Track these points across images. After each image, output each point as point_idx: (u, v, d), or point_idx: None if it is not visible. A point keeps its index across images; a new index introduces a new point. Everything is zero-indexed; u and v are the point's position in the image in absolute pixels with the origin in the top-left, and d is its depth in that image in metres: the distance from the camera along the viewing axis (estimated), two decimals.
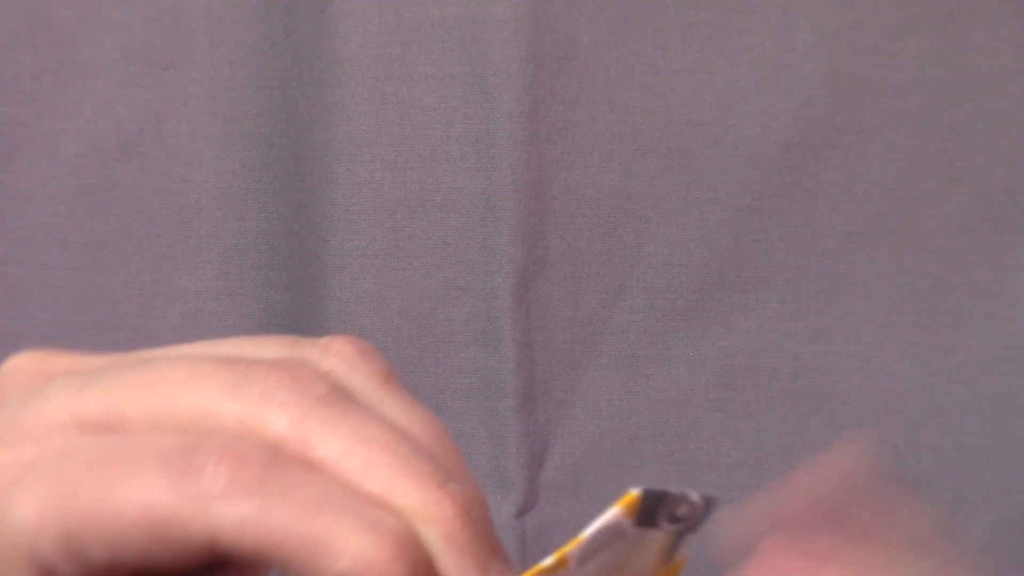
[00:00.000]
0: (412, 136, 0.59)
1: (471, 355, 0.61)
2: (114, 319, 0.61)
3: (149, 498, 0.31)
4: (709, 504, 0.33)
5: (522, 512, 0.61)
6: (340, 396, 0.33)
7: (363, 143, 0.59)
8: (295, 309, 0.61)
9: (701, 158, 0.60)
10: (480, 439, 0.61)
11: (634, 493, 0.31)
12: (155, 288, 0.61)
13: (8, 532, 0.32)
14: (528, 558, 0.60)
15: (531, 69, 0.58)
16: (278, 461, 0.32)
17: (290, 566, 0.31)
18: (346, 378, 0.34)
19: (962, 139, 0.60)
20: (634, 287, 0.61)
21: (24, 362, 0.36)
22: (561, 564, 0.31)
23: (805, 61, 0.59)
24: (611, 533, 0.31)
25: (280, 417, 0.32)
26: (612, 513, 0.31)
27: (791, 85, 0.59)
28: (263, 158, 0.60)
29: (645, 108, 0.60)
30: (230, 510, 0.31)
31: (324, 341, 0.35)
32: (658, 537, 0.33)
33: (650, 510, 0.31)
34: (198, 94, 0.60)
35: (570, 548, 0.31)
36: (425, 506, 0.32)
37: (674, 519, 0.32)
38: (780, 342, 0.61)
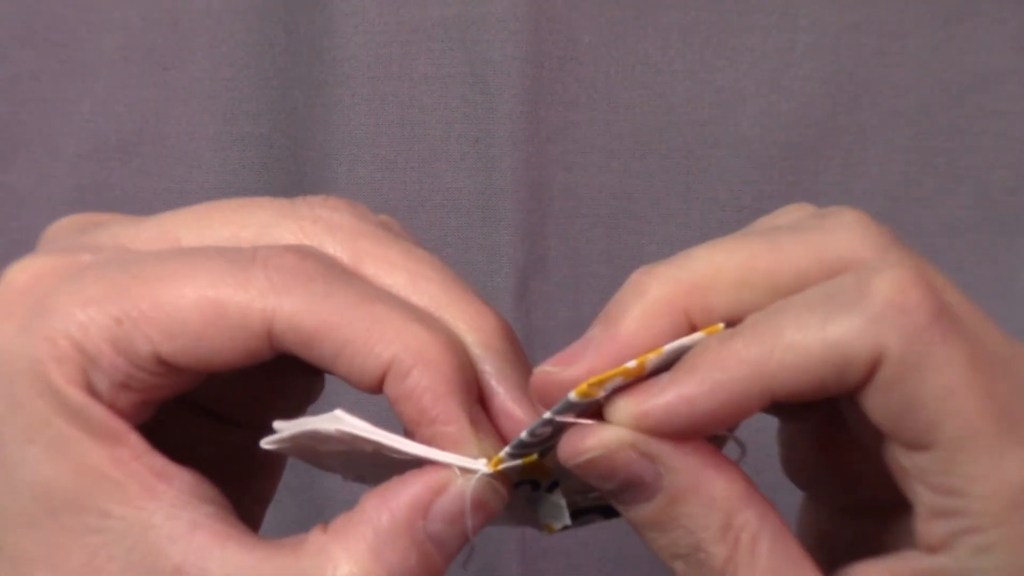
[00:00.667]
0: (412, 136, 0.59)
1: None
2: None
3: (210, 284, 0.31)
4: None
5: None
6: (393, 226, 0.35)
7: (363, 143, 0.59)
8: None
9: (701, 158, 0.60)
10: None
11: (720, 325, 0.32)
12: None
13: (56, 320, 0.31)
14: (528, 558, 0.60)
15: (531, 69, 0.58)
16: (336, 265, 0.33)
17: (343, 354, 0.32)
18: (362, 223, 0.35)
19: (962, 139, 0.60)
20: None
21: (73, 217, 0.36)
22: (640, 370, 0.32)
23: (805, 61, 0.59)
24: (682, 352, 0.32)
25: (334, 238, 0.33)
26: (697, 337, 0.32)
27: (791, 85, 0.59)
28: (263, 158, 0.60)
29: (645, 108, 0.60)
30: (291, 293, 0.31)
31: (318, 198, 0.35)
32: None
33: None
34: (198, 94, 0.60)
35: (652, 356, 0.32)
36: (469, 316, 0.33)
37: None
38: None
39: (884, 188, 0.60)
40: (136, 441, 0.32)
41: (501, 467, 0.32)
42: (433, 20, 0.59)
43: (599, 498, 0.36)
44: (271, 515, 0.40)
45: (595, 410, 0.32)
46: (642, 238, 0.60)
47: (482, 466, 0.32)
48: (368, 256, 0.33)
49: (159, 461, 0.32)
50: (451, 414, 0.32)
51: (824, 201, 0.60)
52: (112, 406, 0.32)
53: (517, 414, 0.33)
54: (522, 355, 0.34)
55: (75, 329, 0.31)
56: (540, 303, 0.60)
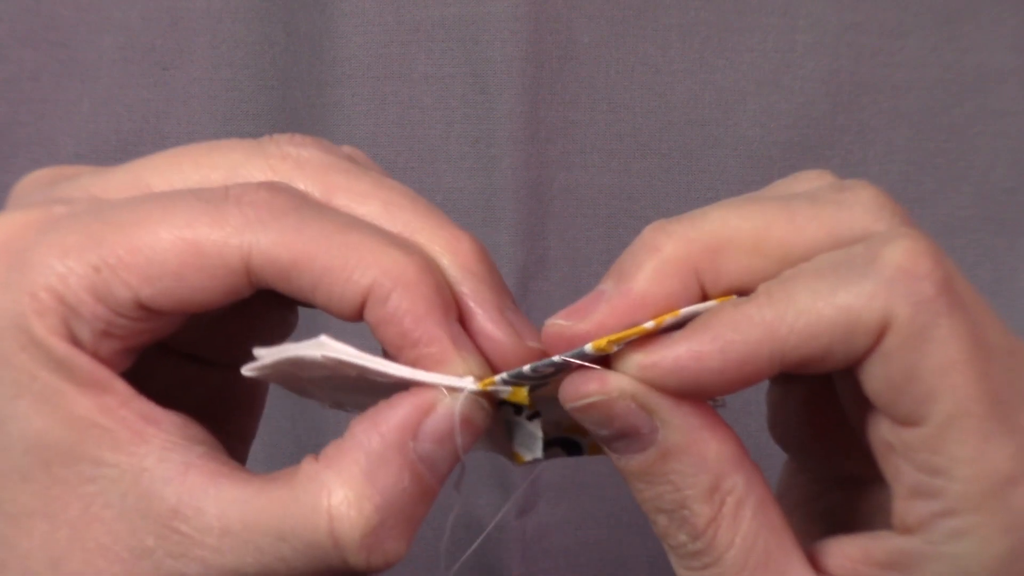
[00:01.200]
0: (412, 136, 0.59)
1: None
2: None
3: (185, 224, 0.31)
4: None
5: (522, 512, 0.61)
6: (360, 159, 0.35)
7: (363, 143, 0.59)
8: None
9: (701, 158, 0.60)
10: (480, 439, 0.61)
11: (733, 296, 0.32)
12: None
13: (35, 273, 0.31)
14: (528, 558, 0.60)
15: (531, 69, 0.58)
16: (308, 199, 0.33)
17: (321, 284, 0.32)
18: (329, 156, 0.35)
19: (962, 139, 0.60)
20: None
21: (43, 171, 0.36)
22: (657, 327, 0.32)
23: (805, 61, 0.59)
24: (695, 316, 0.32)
25: (304, 173, 0.33)
26: (712, 303, 0.32)
27: (791, 85, 0.59)
28: None
29: (645, 108, 0.60)
30: (267, 227, 0.31)
31: (284, 136, 0.35)
32: None
33: None
34: (198, 94, 0.60)
35: (668, 317, 0.32)
36: (445, 240, 0.33)
37: None
38: None
39: (884, 188, 0.60)
40: (122, 388, 0.32)
41: (489, 389, 0.32)
42: (433, 20, 0.59)
43: (569, 429, 0.36)
44: (268, 455, 0.40)
45: (603, 356, 0.32)
46: None
47: (468, 383, 0.32)
48: (339, 188, 0.33)
49: (146, 406, 0.32)
50: (433, 335, 0.32)
51: None
52: (96, 354, 0.32)
53: (496, 335, 0.33)
54: (498, 276, 0.35)
55: (55, 281, 0.31)
56: (540, 303, 0.60)
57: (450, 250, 0.33)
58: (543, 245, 0.60)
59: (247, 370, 0.33)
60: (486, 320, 0.33)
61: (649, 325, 0.32)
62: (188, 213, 0.31)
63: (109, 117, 0.60)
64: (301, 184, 0.33)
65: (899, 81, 0.60)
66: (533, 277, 0.60)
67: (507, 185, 0.59)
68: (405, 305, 0.32)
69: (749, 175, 0.60)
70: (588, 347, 0.32)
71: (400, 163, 0.60)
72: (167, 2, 0.59)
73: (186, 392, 0.36)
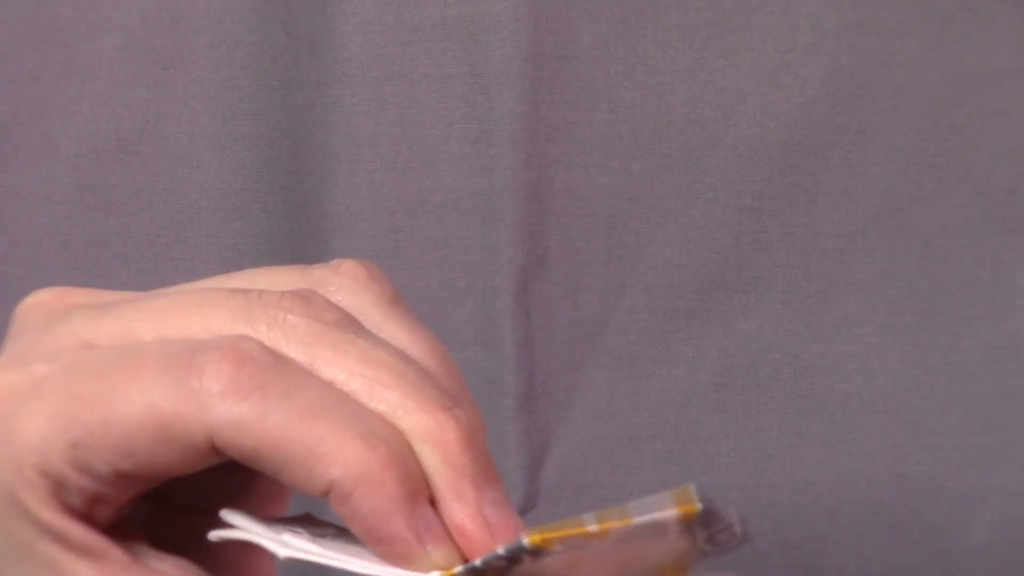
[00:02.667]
0: (412, 136, 0.59)
1: (471, 355, 0.61)
2: None
3: (151, 398, 0.31)
4: (744, 540, 0.33)
5: (522, 512, 0.61)
6: (350, 322, 0.33)
7: (363, 143, 0.59)
8: None
9: (701, 158, 0.60)
10: None
11: (696, 507, 0.31)
12: (155, 288, 0.61)
13: (19, 448, 0.32)
14: None
15: (531, 69, 0.58)
16: (280, 363, 0.32)
17: (284, 471, 0.31)
18: (354, 296, 0.35)
19: (962, 139, 0.60)
20: (634, 287, 0.61)
21: (44, 296, 0.36)
22: (604, 536, 0.31)
23: (805, 61, 0.59)
24: (657, 527, 0.31)
25: (289, 340, 0.33)
26: (669, 515, 0.31)
27: (791, 85, 0.59)
28: (263, 158, 0.60)
29: (645, 108, 0.60)
30: (229, 409, 0.31)
31: (334, 262, 0.35)
32: (688, 546, 0.33)
33: (700, 523, 0.31)
34: (198, 94, 0.60)
35: (617, 525, 0.31)
36: (427, 427, 0.32)
37: (712, 541, 0.32)
38: (780, 342, 0.61)
39: (884, 188, 0.60)
40: (119, 556, 0.32)
41: None
42: (433, 20, 0.59)
43: None
44: None
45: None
46: (642, 238, 0.60)
47: None
48: (324, 362, 0.32)
49: (143, 571, 0.32)
50: (397, 535, 0.31)
51: (824, 201, 0.61)
52: (90, 517, 0.32)
53: (472, 534, 0.32)
54: (483, 462, 0.33)
55: (37, 457, 0.31)
56: (540, 303, 0.60)
57: (431, 439, 0.32)
58: (543, 245, 0.60)
59: (215, 536, 0.33)
60: (463, 516, 0.32)
61: (593, 529, 0.31)
62: (155, 388, 0.31)
63: (109, 117, 0.60)
64: (286, 351, 0.33)
65: (899, 81, 0.60)
66: (533, 277, 0.60)
67: (507, 185, 0.59)
68: (367, 505, 0.31)
69: (749, 175, 0.60)
70: (525, 540, 0.31)
71: (400, 163, 0.60)
72: (167, 2, 0.59)
73: (182, 536, 0.36)
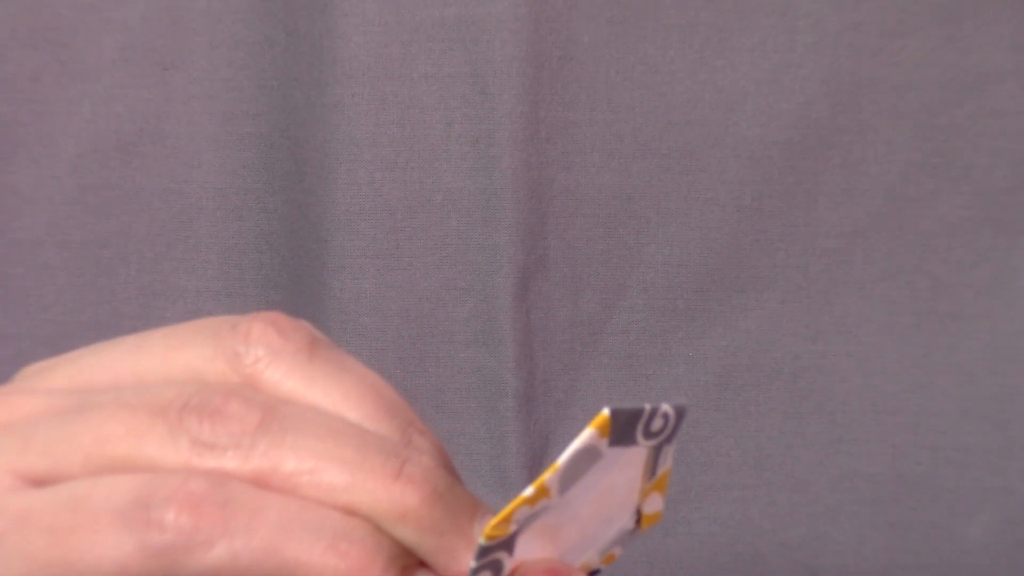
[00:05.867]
0: (412, 136, 0.59)
1: (471, 355, 0.61)
2: (114, 319, 0.61)
3: (119, 563, 0.31)
4: (681, 414, 0.33)
5: None
6: (273, 419, 0.33)
7: (363, 143, 0.59)
8: (295, 309, 0.61)
9: (701, 158, 0.60)
10: (480, 439, 0.61)
11: (605, 413, 0.31)
12: (155, 288, 0.61)
13: None
14: None
15: (531, 69, 0.58)
16: (232, 493, 0.32)
17: None
18: (271, 366, 0.34)
19: (962, 139, 0.60)
20: (634, 287, 0.61)
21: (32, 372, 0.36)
22: (542, 492, 0.31)
23: (805, 61, 0.59)
24: (587, 455, 0.31)
25: (222, 461, 0.32)
26: (586, 435, 0.31)
27: (791, 85, 0.59)
28: (263, 158, 0.60)
29: (645, 108, 0.60)
30: (199, 560, 0.31)
31: (244, 327, 0.35)
32: (638, 453, 0.33)
33: (625, 429, 0.32)
34: (198, 94, 0.60)
35: (548, 475, 0.31)
36: (387, 504, 0.32)
37: (651, 434, 0.33)
38: (780, 342, 0.61)
39: (884, 188, 0.60)
40: None
41: None
42: (433, 20, 0.59)
43: None
44: None
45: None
46: (642, 238, 0.60)
47: None
48: (265, 472, 0.32)
49: None
50: None
51: (824, 201, 0.61)
52: None
53: None
54: (455, 493, 0.33)
55: None
56: (540, 303, 0.60)
57: (395, 515, 0.32)
58: (543, 245, 0.60)
59: None
60: (458, 570, 0.33)
61: (528, 492, 0.31)
62: (119, 551, 0.31)
63: (109, 117, 0.60)
64: (225, 469, 0.33)
65: (899, 81, 0.60)
66: (533, 277, 0.60)
67: (507, 185, 0.59)
68: None
69: (749, 175, 0.60)
70: (481, 540, 0.31)
71: (400, 163, 0.60)
72: (167, 2, 0.59)
73: None
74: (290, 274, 0.61)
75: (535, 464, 0.61)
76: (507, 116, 0.59)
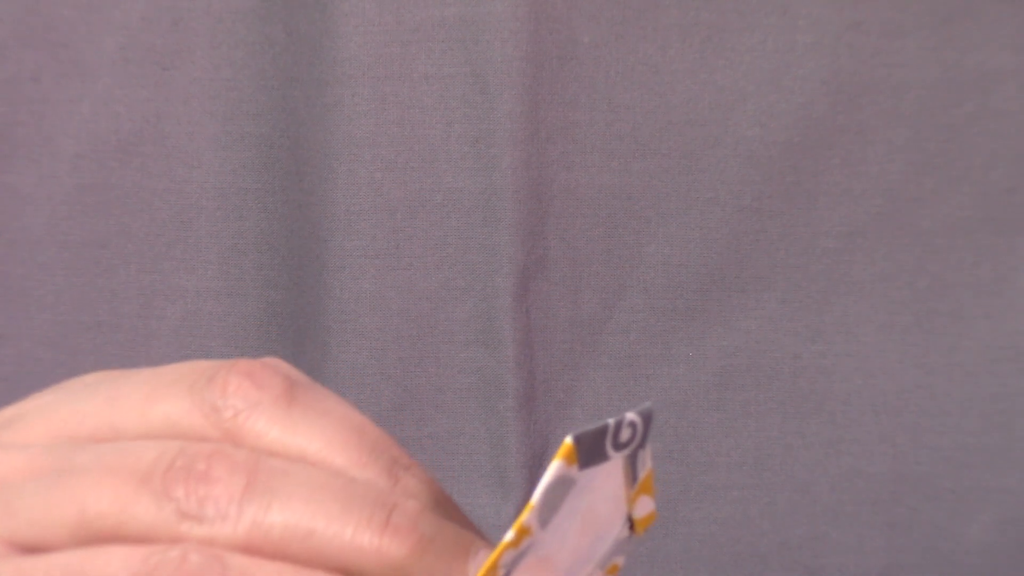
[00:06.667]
0: (412, 136, 0.59)
1: (471, 355, 0.61)
2: (114, 319, 0.61)
3: None
4: (647, 417, 0.33)
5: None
6: (258, 482, 0.33)
7: (363, 143, 0.59)
8: (295, 309, 0.61)
9: (701, 158, 0.60)
10: (480, 439, 0.61)
11: (568, 441, 0.31)
12: (155, 288, 0.61)
13: None
14: None
15: (531, 69, 0.58)
16: (229, 565, 0.32)
17: None
18: (250, 419, 0.34)
19: (962, 139, 0.60)
20: (634, 287, 0.61)
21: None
22: (523, 533, 0.31)
23: (805, 61, 0.59)
24: (560, 485, 0.31)
25: (212, 531, 0.33)
26: (554, 468, 0.31)
27: (791, 85, 0.59)
28: (263, 158, 0.60)
29: (645, 108, 0.60)
30: None
31: (220, 380, 0.34)
32: (614, 465, 0.33)
33: (592, 449, 0.32)
34: (198, 94, 0.60)
35: (525, 515, 0.31)
36: (378, 559, 0.32)
37: (621, 445, 0.33)
38: (780, 342, 0.61)
39: (884, 188, 0.60)
40: None
41: None
42: (433, 20, 0.59)
43: None
44: None
45: None
46: (642, 238, 0.60)
47: None
48: (254, 542, 0.32)
49: None
50: None
51: (824, 201, 0.61)
52: None
53: None
54: (446, 533, 0.33)
55: None
56: (540, 303, 0.60)
57: (384, 568, 0.32)
58: (543, 245, 0.60)
59: None
60: None
61: (509, 537, 0.31)
62: None
63: (109, 117, 0.60)
64: (216, 540, 0.33)
65: (899, 81, 0.60)
66: (533, 277, 0.60)
67: (507, 185, 0.59)
68: None
69: (749, 175, 0.60)
70: None
71: (400, 163, 0.60)
72: (167, 2, 0.59)
73: None
74: (290, 274, 0.61)
75: (535, 464, 0.61)
76: (507, 116, 0.58)
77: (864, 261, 0.61)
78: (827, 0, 0.59)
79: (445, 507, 0.35)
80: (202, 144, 0.60)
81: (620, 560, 0.35)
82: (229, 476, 0.32)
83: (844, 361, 0.61)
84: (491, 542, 0.33)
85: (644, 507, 0.35)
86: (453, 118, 0.59)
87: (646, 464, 0.34)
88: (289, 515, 0.32)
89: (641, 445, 0.33)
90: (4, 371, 0.62)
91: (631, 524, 0.35)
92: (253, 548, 0.32)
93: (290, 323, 0.61)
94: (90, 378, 0.38)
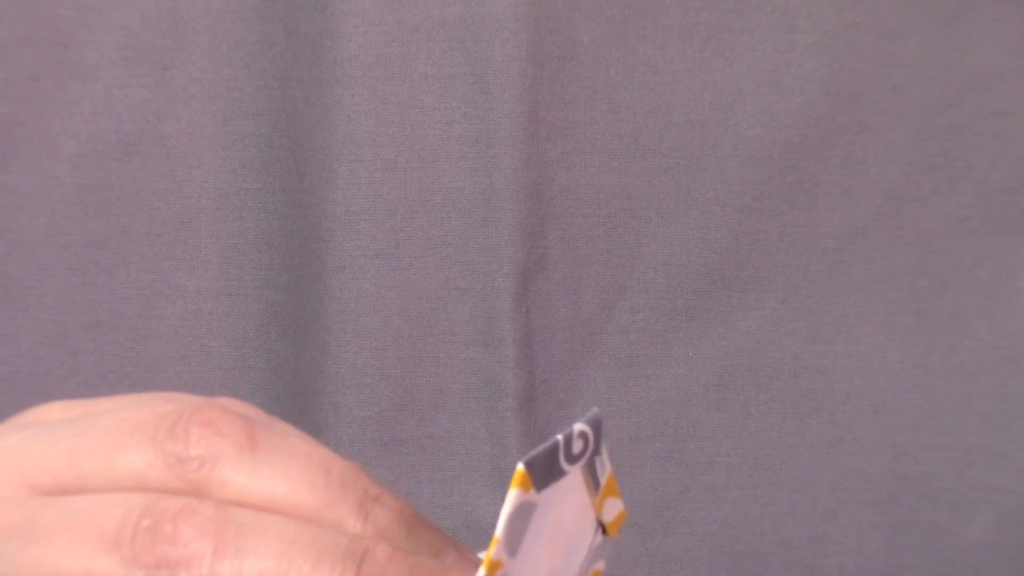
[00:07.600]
0: (412, 136, 0.59)
1: (471, 355, 0.61)
2: (114, 319, 0.61)
3: None
4: (596, 424, 0.33)
5: None
6: (226, 542, 0.33)
7: (363, 143, 0.59)
8: (295, 309, 0.61)
9: (701, 158, 0.60)
10: (480, 439, 0.61)
11: (520, 468, 0.31)
12: (155, 288, 0.61)
13: None
14: None
15: (531, 69, 0.58)
16: None
17: None
18: (215, 468, 0.34)
19: (962, 139, 0.60)
20: (634, 287, 0.61)
21: None
22: (495, 567, 0.31)
23: (805, 61, 0.59)
24: (521, 512, 0.31)
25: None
26: (511, 497, 0.31)
27: (791, 85, 0.59)
28: (263, 158, 0.60)
29: (645, 108, 0.60)
30: None
31: (181, 431, 0.34)
32: (573, 478, 0.33)
33: (546, 469, 0.32)
34: (198, 94, 0.60)
35: (493, 550, 0.31)
36: None
37: (575, 457, 0.33)
38: (780, 342, 0.61)
39: (884, 188, 0.60)
40: None
41: None
42: (433, 20, 0.59)
43: None
44: None
45: None
46: (642, 238, 0.60)
47: None
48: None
49: None
50: None
51: (824, 201, 0.61)
52: None
53: None
54: (422, 561, 0.33)
55: None
56: (540, 303, 0.60)
57: None
58: (543, 245, 0.60)
59: None
60: None
61: (481, 572, 0.31)
62: None
63: (109, 117, 0.60)
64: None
65: (899, 81, 0.60)
66: (533, 277, 0.60)
67: (507, 185, 0.59)
68: None
69: (749, 175, 0.60)
70: None
71: (400, 163, 0.60)
72: (167, 2, 0.59)
73: None
74: (290, 274, 0.61)
75: None
76: (507, 116, 0.58)
77: (864, 261, 0.61)
78: (827, 0, 0.59)
79: (417, 529, 0.35)
80: (202, 144, 0.60)
81: (601, 565, 0.35)
82: (196, 538, 0.33)
83: (844, 361, 0.61)
84: (469, 553, 0.33)
85: (613, 509, 0.35)
86: (453, 118, 0.59)
87: (606, 468, 0.34)
88: (262, 551, 0.32)
89: (596, 452, 0.33)
90: (4, 371, 0.62)
91: (603, 529, 0.35)
92: None
93: (290, 323, 0.61)
94: (50, 413, 0.38)
